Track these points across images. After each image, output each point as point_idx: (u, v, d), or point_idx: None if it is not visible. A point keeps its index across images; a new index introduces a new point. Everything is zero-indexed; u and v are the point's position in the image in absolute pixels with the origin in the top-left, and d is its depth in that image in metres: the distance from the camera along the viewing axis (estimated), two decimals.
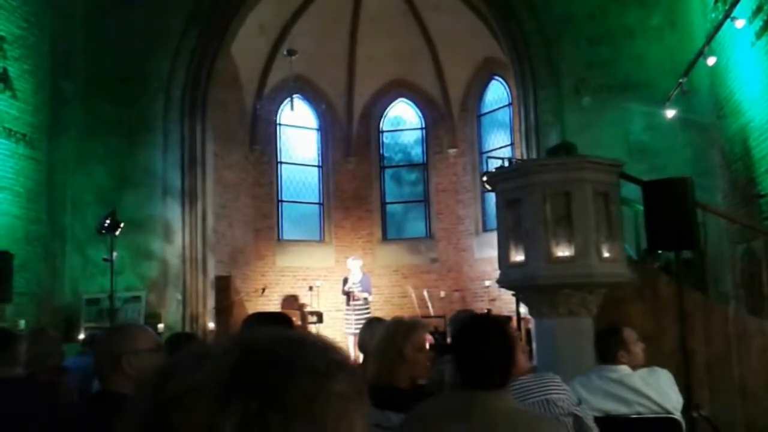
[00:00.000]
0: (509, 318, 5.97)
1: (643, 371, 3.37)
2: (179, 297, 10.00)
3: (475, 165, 13.90)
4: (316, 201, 14.60)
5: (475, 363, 2.06)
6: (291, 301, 13.26)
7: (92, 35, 10.34)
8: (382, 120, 14.98)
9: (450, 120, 14.27)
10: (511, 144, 13.21)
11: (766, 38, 6.63)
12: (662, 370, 3.41)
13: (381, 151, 15.00)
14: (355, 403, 0.69)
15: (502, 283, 5.15)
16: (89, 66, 10.30)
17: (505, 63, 11.24)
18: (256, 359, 0.68)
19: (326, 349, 0.72)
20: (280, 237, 13.98)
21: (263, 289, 12.84)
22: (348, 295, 11.04)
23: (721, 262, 7.77)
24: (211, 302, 10.57)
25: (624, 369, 3.34)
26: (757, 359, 5.02)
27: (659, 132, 8.62)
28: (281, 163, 14.29)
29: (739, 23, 6.70)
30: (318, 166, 14.75)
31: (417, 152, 14.97)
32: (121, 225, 8.17)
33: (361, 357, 3.92)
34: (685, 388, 4.09)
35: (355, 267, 11.28)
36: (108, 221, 8.08)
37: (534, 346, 4.87)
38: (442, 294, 12.86)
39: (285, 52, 12.41)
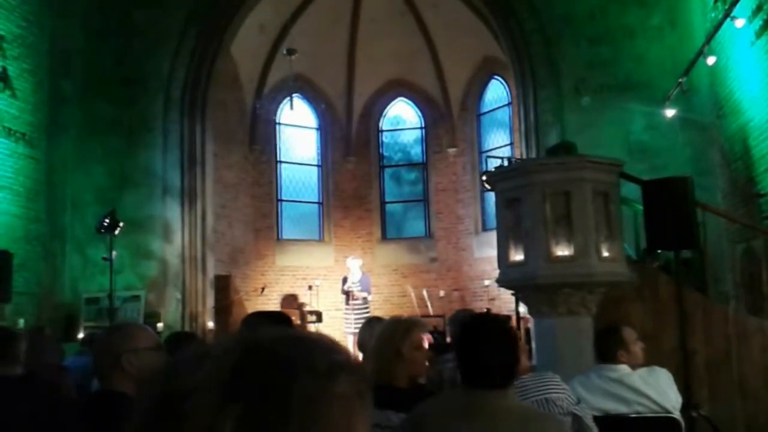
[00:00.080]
0: (509, 317, 5.97)
1: (642, 371, 3.36)
2: (179, 296, 10.00)
3: (474, 164, 13.90)
4: (316, 200, 14.60)
5: (479, 363, 2.06)
6: (290, 300, 13.27)
7: (92, 35, 10.33)
8: (381, 119, 14.98)
9: (449, 119, 14.27)
10: (511, 143, 13.22)
11: (766, 38, 6.63)
12: (662, 369, 3.40)
13: (380, 151, 15.01)
14: (357, 405, 0.69)
15: (502, 282, 5.15)
16: (89, 65, 10.29)
17: (504, 62, 11.24)
18: (257, 359, 0.67)
19: (329, 350, 0.71)
20: (280, 236, 13.98)
21: (263, 289, 12.84)
22: (347, 294, 11.03)
23: (720, 262, 7.77)
24: (210, 301, 10.57)
25: (623, 368, 3.34)
26: (757, 359, 5.02)
27: (659, 131, 8.63)
28: (281, 162, 14.29)
29: (739, 23, 6.70)
30: (317, 166, 14.75)
31: (416, 152, 14.97)
32: (121, 224, 8.16)
33: (360, 356, 3.92)
34: (685, 388, 4.09)
35: (354, 266, 11.28)
36: (107, 221, 8.08)
37: (533, 345, 4.87)
38: (442, 293, 12.86)
39: (285, 52, 12.40)
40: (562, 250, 4.59)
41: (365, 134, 14.81)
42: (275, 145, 14.19)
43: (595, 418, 2.88)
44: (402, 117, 15.09)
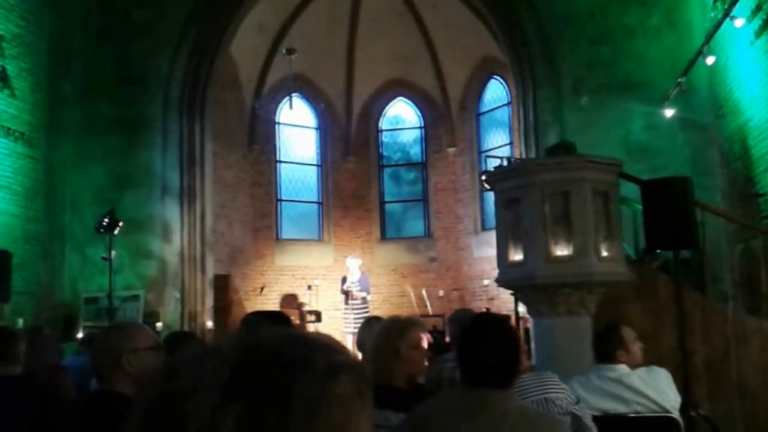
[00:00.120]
0: (508, 317, 5.97)
1: (641, 370, 3.37)
2: (178, 296, 10.00)
3: (474, 164, 13.90)
4: (315, 200, 14.60)
5: (479, 362, 2.06)
6: (290, 300, 13.27)
7: (91, 34, 10.33)
8: (381, 119, 14.98)
9: (449, 119, 14.27)
10: (510, 143, 13.22)
11: (765, 37, 6.63)
12: (661, 369, 3.41)
13: (380, 150, 15.01)
14: (358, 405, 0.69)
15: (501, 282, 5.15)
16: (88, 65, 10.29)
17: (504, 62, 11.24)
18: (258, 359, 0.67)
19: (330, 349, 0.71)
20: (279, 236, 13.98)
21: (262, 288, 12.84)
22: (346, 294, 11.03)
23: (719, 262, 7.78)
24: (209, 301, 10.57)
25: (622, 368, 3.34)
26: (756, 358, 5.03)
27: (658, 131, 8.63)
28: (280, 162, 14.29)
29: (738, 22, 6.70)
30: (317, 165, 14.75)
31: (416, 151, 14.97)
32: (120, 224, 8.16)
33: (359, 356, 3.92)
34: (684, 388, 4.09)
35: (353, 266, 11.27)
36: (107, 220, 8.07)
37: (533, 345, 4.87)
38: (441, 293, 12.86)
39: (284, 51, 12.39)
40: (562, 250, 4.59)
41: (364, 134, 14.81)
42: (274, 144, 14.19)
43: (595, 418, 2.88)
44: (401, 117, 15.09)
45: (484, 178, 6.16)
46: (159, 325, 9.17)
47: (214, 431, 0.63)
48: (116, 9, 10.30)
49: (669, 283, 5.18)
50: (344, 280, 11.21)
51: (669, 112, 8.08)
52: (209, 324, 10.38)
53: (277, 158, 14.24)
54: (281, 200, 14.18)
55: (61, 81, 9.89)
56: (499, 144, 13.54)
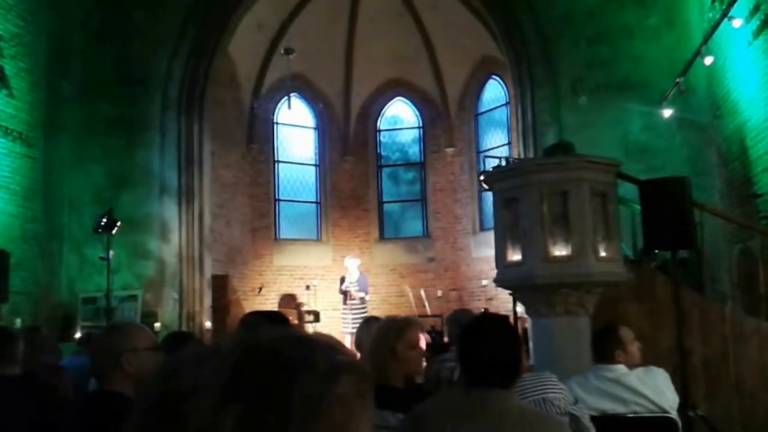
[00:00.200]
0: (506, 317, 5.97)
1: (639, 370, 3.37)
2: (176, 296, 9.99)
3: (472, 164, 13.91)
4: (314, 200, 14.60)
5: (480, 362, 2.05)
6: (288, 300, 13.27)
7: (90, 34, 10.33)
8: (379, 119, 14.98)
9: (447, 119, 14.27)
10: (509, 143, 13.22)
11: (763, 38, 6.64)
12: (659, 369, 3.41)
13: (378, 150, 15.01)
14: (359, 405, 0.69)
15: (500, 282, 5.15)
16: (86, 65, 10.28)
17: (502, 62, 11.25)
18: (258, 359, 0.67)
19: (330, 350, 0.71)
20: (278, 236, 13.98)
21: (260, 288, 12.83)
22: (345, 294, 11.02)
23: (718, 262, 7.79)
24: (207, 301, 10.56)
25: (621, 368, 3.34)
26: (754, 358, 5.03)
27: (656, 132, 8.64)
28: (278, 162, 14.28)
29: (736, 23, 6.71)
30: (315, 165, 14.74)
31: (414, 151, 14.98)
32: (118, 224, 8.15)
33: (357, 356, 3.92)
34: (682, 388, 4.10)
35: (352, 266, 11.27)
36: (105, 220, 8.07)
37: (531, 345, 4.87)
38: (439, 293, 12.85)
39: (282, 51, 12.38)
40: (560, 250, 4.59)
41: (363, 134, 14.81)
42: (273, 144, 14.19)
43: (593, 418, 2.88)
44: (400, 117, 15.09)
45: (482, 178, 6.15)
46: (157, 325, 9.17)
47: (215, 431, 0.63)
48: (115, 9, 10.29)
49: (667, 283, 5.18)
50: (342, 280, 11.21)
51: (667, 113, 8.08)
52: (207, 324, 10.37)
53: (276, 158, 14.24)
54: (280, 200, 14.18)
55: (59, 81, 9.88)
56: (497, 144, 13.55)
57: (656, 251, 6.12)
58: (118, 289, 9.18)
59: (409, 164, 15.00)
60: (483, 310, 10.57)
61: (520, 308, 6.54)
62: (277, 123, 14.27)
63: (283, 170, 14.34)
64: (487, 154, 12.46)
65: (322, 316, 12.02)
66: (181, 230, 10.16)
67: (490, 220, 10.79)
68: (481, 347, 2.08)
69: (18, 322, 8.11)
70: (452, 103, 14.20)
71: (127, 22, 10.21)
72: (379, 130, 15.01)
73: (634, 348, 3.45)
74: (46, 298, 9.35)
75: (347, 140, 14.63)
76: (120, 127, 10.12)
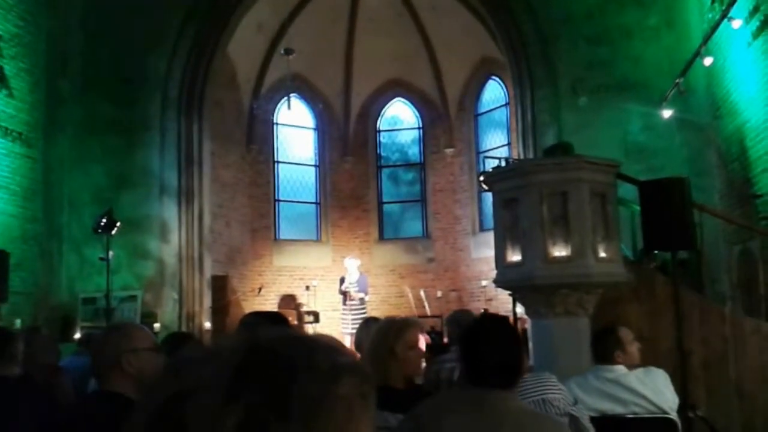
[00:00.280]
0: (507, 318, 5.97)
1: (639, 371, 3.37)
2: (175, 296, 9.99)
3: (472, 165, 13.91)
4: (313, 200, 14.60)
5: (482, 363, 2.06)
6: (288, 300, 13.26)
7: (89, 34, 10.33)
8: (379, 119, 14.98)
9: (447, 120, 14.28)
10: (508, 144, 13.22)
11: (763, 38, 6.64)
12: (658, 370, 3.41)
13: (378, 151, 15.01)
14: (360, 406, 0.69)
15: (499, 283, 5.15)
16: (86, 65, 10.28)
17: (502, 63, 11.25)
18: (260, 359, 0.67)
19: (332, 350, 0.71)
20: (277, 236, 13.98)
21: (260, 289, 12.83)
22: (345, 294, 11.03)
23: (717, 263, 7.79)
24: (207, 302, 10.56)
25: (620, 369, 3.34)
26: (754, 359, 5.03)
27: (656, 132, 8.64)
28: (278, 162, 14.28)
29: (736, 23, 6.71)
30: (315, 166, 14.74)
31: (414, 152, 14.98)
32: (118, 224, 8.16)
33: (357, 357, 3.92)
34: (682, 388, 4.10)
35: (352, 266, 11.27)
36: (104, 220, 8.07)
37: (530, 346, 4.87)
38: (439, 294, 12.85)
39: (282, 51, 12.39)
40: (560, 251, 4.59)
41: (363, 134, 14.81)
42: (273, 144, 14.19)
43: (592, 419, 2.88)
44: (399, 117, 15.09)
45: (482, 178, 6.15)
46: (157, 325, 9.16)
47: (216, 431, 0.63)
48: (115, 9, 10.29)
49: (667, 283, 5.18)
50: (342, 280, 11.21)
51: (667, 113, 8.09)
52: (207, 325, 10.37)
53: (276, 158, 14.24)
54: (279, 200, 14.18)
55: (59, 81, 9.89)
56: (497, 144, 13.55)
57: (656, 252, 6.12)
58: (117, 290, 9.18)
59: (408, 165, 15.00)
60: (483, 310, 10.57)
61: (519, 309, 6.54)
62: (277, 123, 14.27)
63: (282, 170, 14.34)
64: (487, 154, 12.46)
65: (321, 317, 12.03)
66: (181, 230, 10.16)
67: (489, 221, 10.78)
68: (482, 348, 2.08)
69: (18, 322, 8.11)
70: (452, 104, 14.20)
71: (127, 22, 10.20)
72: (379, 131, 15.01)
73: (634, 348, 3.45)
74: (46, 299, 9.35)
75: (347, 141, 14.63)
76: (120, 127, 10.12)
